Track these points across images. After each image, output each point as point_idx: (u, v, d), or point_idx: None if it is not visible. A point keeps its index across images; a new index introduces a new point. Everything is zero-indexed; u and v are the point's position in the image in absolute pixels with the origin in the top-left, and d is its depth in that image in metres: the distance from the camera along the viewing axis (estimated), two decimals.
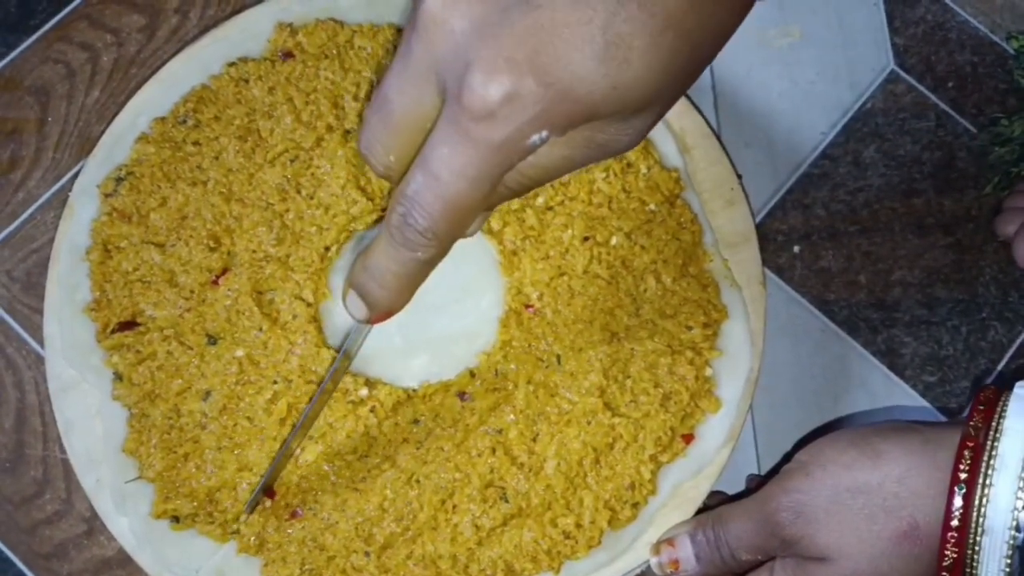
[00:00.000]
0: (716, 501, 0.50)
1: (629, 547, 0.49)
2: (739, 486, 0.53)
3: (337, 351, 0.51)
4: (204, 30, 0.60)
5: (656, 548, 0.48)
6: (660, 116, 0.32)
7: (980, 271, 0.57)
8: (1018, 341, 0.56)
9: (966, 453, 0.40)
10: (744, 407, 0.51)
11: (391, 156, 0.32)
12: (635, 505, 0.49)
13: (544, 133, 0.29)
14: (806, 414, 0.54)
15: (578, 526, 0.48)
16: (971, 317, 0.57)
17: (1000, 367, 0.56)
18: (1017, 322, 0.56)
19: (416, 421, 0.50)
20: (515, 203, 0.53)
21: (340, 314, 0.53)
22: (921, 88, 0.61)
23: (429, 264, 0.33)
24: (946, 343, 0.56)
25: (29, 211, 0.57)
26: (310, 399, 0.50)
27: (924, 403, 0.55)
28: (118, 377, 0.51)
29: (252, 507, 0.48)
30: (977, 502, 0.39)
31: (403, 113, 0.31)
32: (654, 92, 0.29)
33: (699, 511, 0.49)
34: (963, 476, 0.40)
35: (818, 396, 0.55)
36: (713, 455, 0.50)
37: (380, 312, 0.35)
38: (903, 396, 0.55)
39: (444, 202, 0.30)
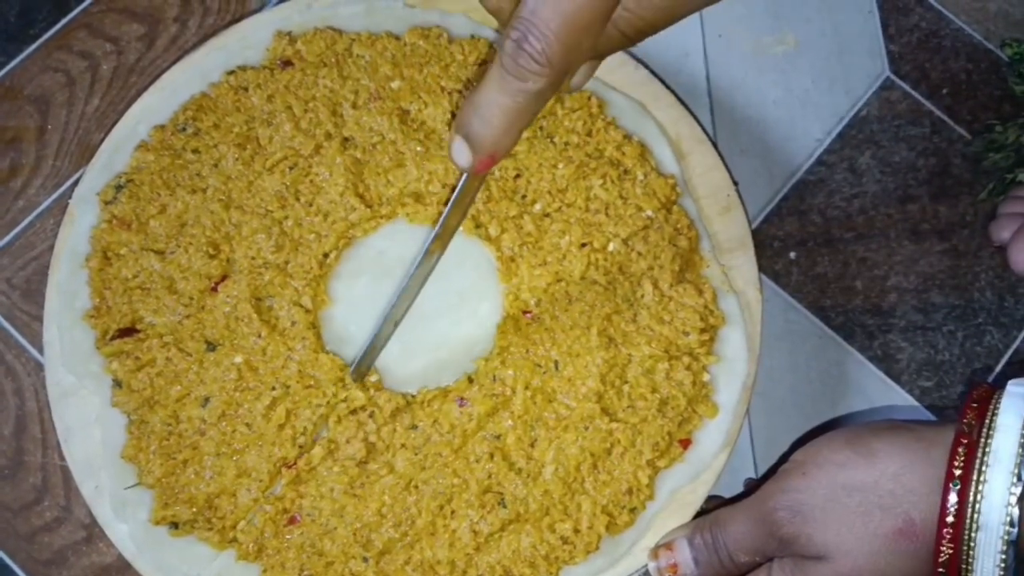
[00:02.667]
0: (713, 505, 0.50)
1: (627, 552, 0.49)
2: (736, 491, 0.53)
3: (336, 356, 0.51)
4: (203, 39, 0.60)
5: (654, 553, 0.49)
6: None
7: (976, 276, 0.58)
8: (1014, 346, 0.56)
9: (960, 450, 0.40)
10: (741, 412, 0.51)
11: None
12: (633, 510, 0.49)
13: None
14: (803, 419, 0.55)
15: (576, 531, 0.48)
16: (967, 322, 0.57)
17: (996, 372, 0.56)
18: (1013, 327, 0.57)
19: (414, 427, 0.50)
20: (513, 210, 0.53)
21: (339, 320, 0.53)
22: (916, 95, 0.61)
23: (538, 99, 0.31)
24: (942, 348, 0.56)
25: (29, 218, 0.58)
26: (311, 406, 0.50)
27: (919, 407, 0.55)
28: (117, 384, 0.51)
29: (359, 376, 0.50)
30: (972, 498, 0.39)
31: None
32: None
33: (697, 515, 0.50)
34: (957, 472, 0.40)
35: (815, 401, 0.55)
36: (710, 460, 0.50)
37: (484, 154, 0.33)
38: (899, 401, 0.55)
39: (563, 18, 0.29)
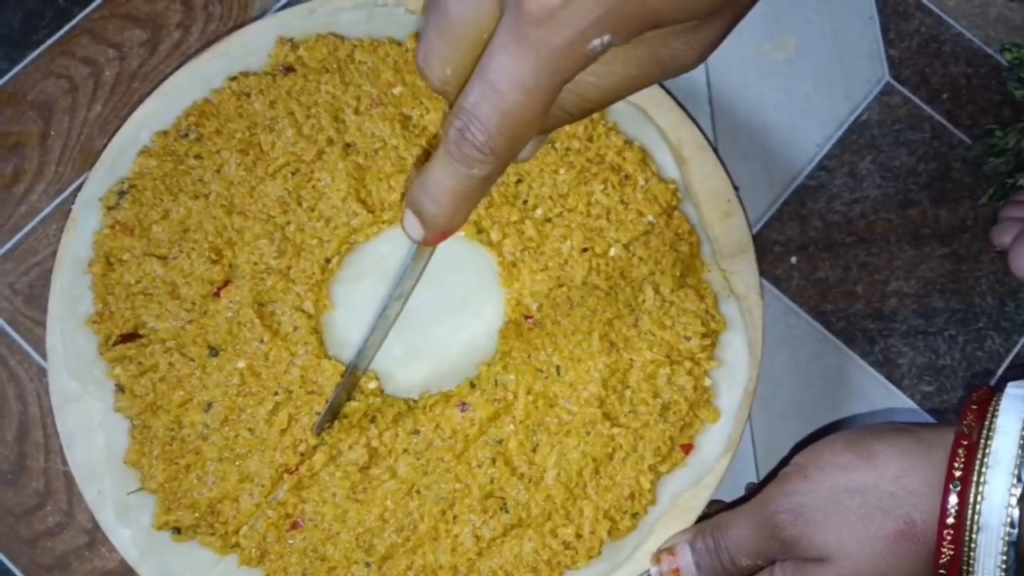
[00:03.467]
0: (715, 510, 0.50)
1: (629, 557, 0.49)
2: (738, 495, 0.53)
3: (338, 361, 0.51)
4: (206, 45, 0.60)
5: (656, 557, 0.49)
6: (728, 30, 0.30)
7: (976, 281, 0.58)
8: (1015, 350, 0.56)
9: (960, 452, 0.40)
10: (743, 417, 0.51)
11: (448, 69, 0.31)
12: (635, 515, 0.49)
13: (606, 38, 0.28)
14: (804, 423, 0.55)
15: (578, 536, 0.48)
16: (968, 327, 0.57)
17: (997, 376, 0.56)
18: (1014, 332, 0.57)
19: (416, 432, 0.50)
20: (514, 215, 0.53)
21: (341, 325, 0.53)
22: (916, 100, 0.62)
23: (486, 181, 0.32)
24: (943, 353, 0.56)
25: (32, 224, 0.58)
26: (310, 409, 0.50)
27: (920, 411, 0.55)
28: (120, 389, 0.51)
29: (320, 429, 0.49)
30: (972, 499, 0.39)
31: (461, 23, 0.30)
32: None
33: (699, 520, 0.50)
34: (957, 474, 0.40)
35: (816, 406, 0.55)
36: (712, 465, 0.50)
37: (436, 232, 0.34)
38: (900, 405, 0.55)
39: (502, 114, 0.29)
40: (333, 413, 0.50)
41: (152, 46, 0.61)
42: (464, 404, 0.50)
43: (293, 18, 0.58)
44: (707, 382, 0.51)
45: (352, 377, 0.50)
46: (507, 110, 0.29)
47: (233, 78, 0.56)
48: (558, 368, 0.51)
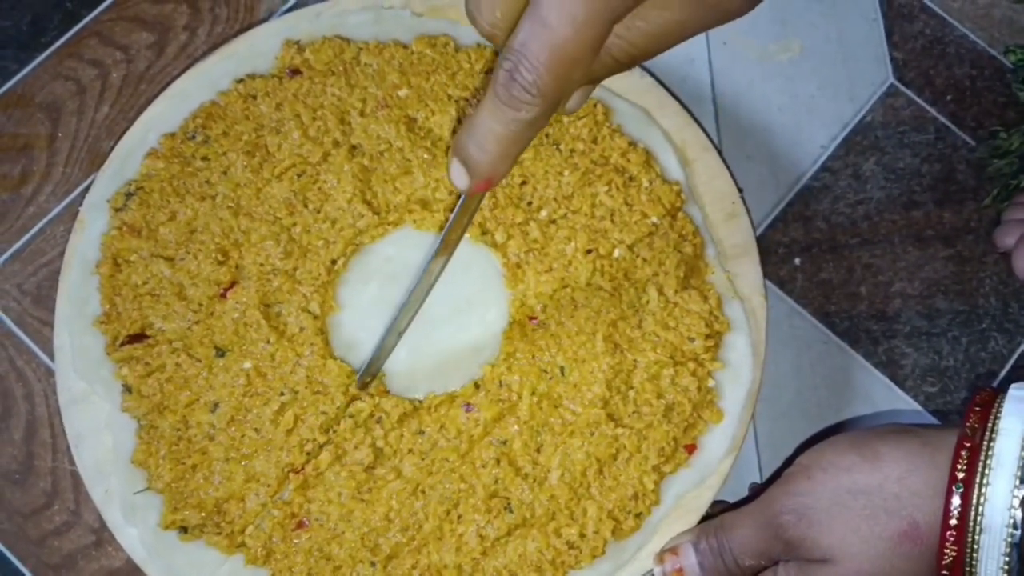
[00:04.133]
0: (719, 510, 0.50)
1: (633, 557, 0.49)
2: (741, 495, 0.53)
3: (344, 362, 0.52)
4: (212, 47, 0.61)
5: (660, 557, 0.49)
6: None
7: (980, 282, 0.58)
8: (1018, 351, 0.57)
9: (963, 453, 0.41)
10: (746, 418, 0.52)
11: (497, 12, 0.31)
12: (638, 515, 0.49)
13: None
14: (808, 424, 0.55)
15: (582, 536, 0.49)
16: (971, 328, 0.57)
17: (1001, 377, 0.56)
18: (1017, 333, 0.57)
19: (421, 432, 0.50)
20: (519, 216, 0.54)
21: (347, 326, 0.53)
22: (920, 101, 0.62)
23: (532, 126, 0.32)
24: (947, 354, 0.57)
25: (40, 225, 0.58)
26: (316, 410, 0.50)
27: (924, 412, 0.55)
28: (127, 389, 0.51)
29: (363, 384, 0.51)
30: (975, 501, 0.39)
31: None
32: None
33: (702, 520, 0.50)
34: (960, 476, 0.40)
35: (819, 407, 0.55)
36: (716, 465, 0.51)
37: (481, 179, 0.34)
38: (904, 406, 0.55)
39: (552, 50, 0.29)
40: (373, 373, 0.51)
41: (159, 48, 0.62)
42: (469, 405, 0.51)
43: (299, 21, 0.59)
44: (711, 383, 0.51)
45: (393, 330, 0.50)
46: (557, 46, 0.29)
47: (240, 80, 0.57)
48: (562, 369, 0.51)
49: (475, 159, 0.33)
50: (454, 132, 0.55)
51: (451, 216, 0.43)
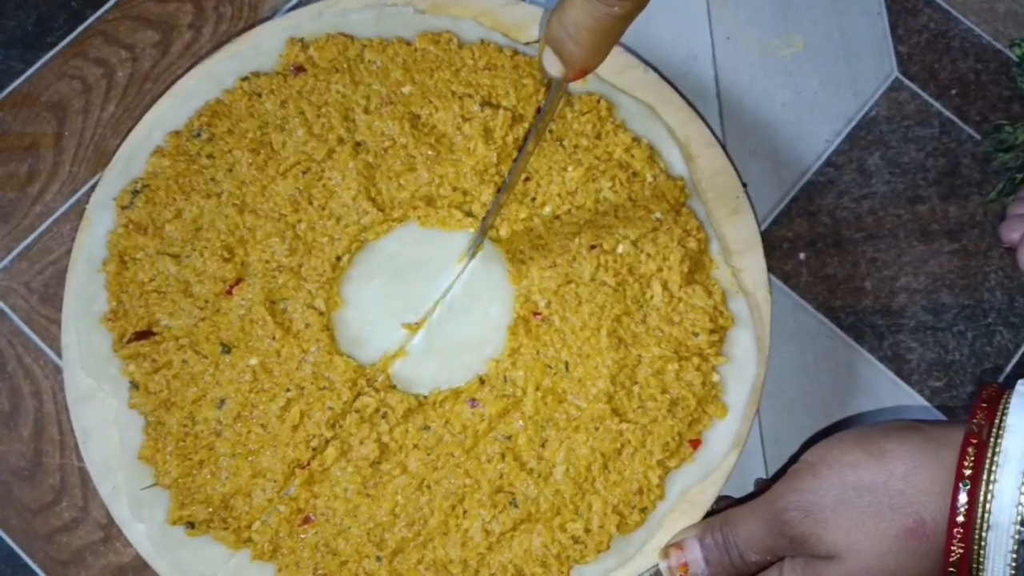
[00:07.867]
0: (724, 505, 0.51)
1: (638, 552, 0.49)
2: (746, 491, 0.53)
3: (350, 357, 0.52)
4: (217, 46, 0.61)
5: (665, 552, 0.49)
6: None
7: (985, 277, 0.58)
8: None
9: (970, 450, 0.40)
10: (751, 413, 0.52)
11: None
12: (643, 510, 0.49)
13: None
14: (813, 419, 0.55)
15: (587, 531, 0.49)
16: (977, 322, 0.57)
17: (1007, 372, 0.56)
18: (1023, 327, 0.57)
19: (427, 427, 0.50)
20: (523, 212, 0.54)
21: (352, 322, 0.54)
22: (925, 96, 0.62)
23: (624, 19, 0.33)
24: (952, 348, 0.56)
25: (46, 223, 0.58)
26: (322, 405, 0.50)
27: (930, 407, 0.55)
28: (134, 386, 0.52)
29: (473, 252, 0.53)
30: (982, 498, 0.39)
31: None
32: None
33: (707, 515, 0.50)
34: (967, 472, 0.40)
35: (824, 401, 0.55)
36: (720, 460, 0.51)
37: (575, 70, 0.35)
38: (909, 401, 0.55)
39: None
40: (485, 230, 0.53)
41: (164, 47, 0.62)
42: (474, 400, 0.51)
43: (303, 19, 0.59)
44: (715, 378, 0.51)
45: (503, 197, 0.52)
46: None
47: (244, 78, 0.57)
48: (567, 364, 0.51)
49: (570, 51, 0.34)
50: (458, 128, 0.55)
51: (543, 103, 0.45)
